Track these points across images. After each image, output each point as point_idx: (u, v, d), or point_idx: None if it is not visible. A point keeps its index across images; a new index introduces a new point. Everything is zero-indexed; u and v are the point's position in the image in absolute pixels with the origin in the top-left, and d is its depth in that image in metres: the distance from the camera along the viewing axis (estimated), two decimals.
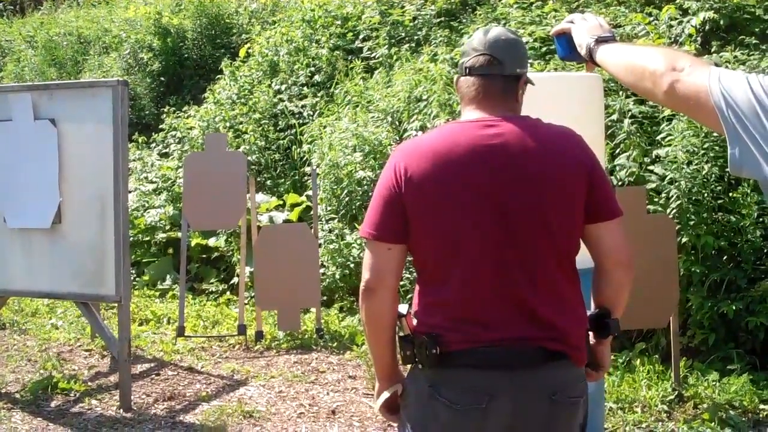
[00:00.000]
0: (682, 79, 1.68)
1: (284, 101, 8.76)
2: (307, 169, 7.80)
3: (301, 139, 8.16)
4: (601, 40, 2.06)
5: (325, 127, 7.75)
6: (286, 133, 8.52)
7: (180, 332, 6.15)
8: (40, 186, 5.00)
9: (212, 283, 7.58)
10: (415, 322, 2.22)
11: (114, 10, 13.44)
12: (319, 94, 8.60)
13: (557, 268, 2.17)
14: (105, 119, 4.83)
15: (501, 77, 2.23)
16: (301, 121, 8.41)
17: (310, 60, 8.99)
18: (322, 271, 6.56)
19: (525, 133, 2.16)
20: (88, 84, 5.40)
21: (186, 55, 11.05)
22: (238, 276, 6.75)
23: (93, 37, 12.67)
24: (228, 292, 7.38)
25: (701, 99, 1.63)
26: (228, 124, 8.75)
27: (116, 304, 5.17)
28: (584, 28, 2.15)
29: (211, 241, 7.78)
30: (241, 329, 6.10)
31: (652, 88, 1.76)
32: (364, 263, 2.22)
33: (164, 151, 9.54)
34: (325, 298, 6.66)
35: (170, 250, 8.01)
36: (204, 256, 7.88)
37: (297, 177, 8.15)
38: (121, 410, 4.84)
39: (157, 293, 7.60)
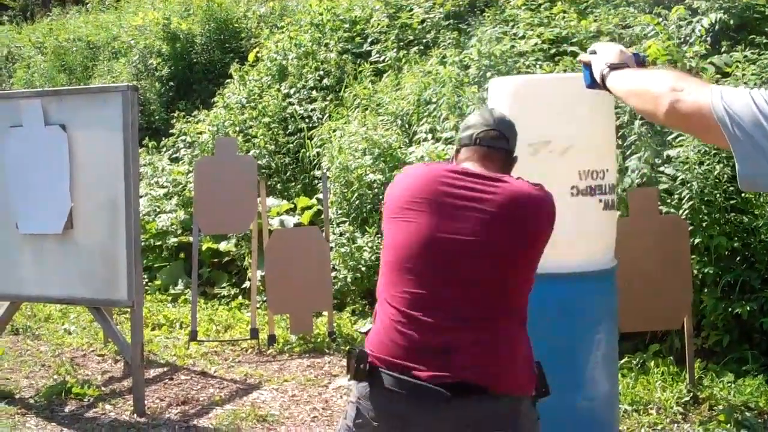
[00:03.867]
0: (682, 98, 1.69)
1: (293, 105, 8.77)
2: (318, 173, 7.81)
3: (310, 142, 8.17)
4: (614, 67, 2.06)
5: (334, 130, 7.75)
6: (295, 136, 8.53)
7: (192, 337, 6.16)
8: (52, 191, 5.01)
9: (224, 287, 7.58)
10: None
11: (123, 15, 13.49)
12: (328, 98, 8.60)
13: (496, 302, 2.27)
14: (115, 124, 4.84)
15: (504, 151, 2.45)
16: (310, 125, 8.42)
17: (319, 64, 9.00)
18: (333, 274, 6.56)
19: (497, 183, 2.31)
20: (98, 89, 5.42)
21: (195, 60, 11.06)
22: (249, 280, 6.76)
23: (102, 42, 12.72)
24: (240, 296, 7.38)
25: (704, 116, 1.63)
26: (238, 129, 8.76)
27: (129, 309, 5.18)
28: (602, 56, 2.14)
29: (223, 246, 7.79)
30: (254, 333, 6.11)
31: (654, 109, 1.77)
32: None
33: (174, 155, 9.54)
34: (337, 301, 6.65)
35: (182, 255, 8.02)
36: (215, 260, 7.88)
37: (307, 180, 8.15)
38: (135, 415, 4.86)
39: (169, 298, 7.61)
